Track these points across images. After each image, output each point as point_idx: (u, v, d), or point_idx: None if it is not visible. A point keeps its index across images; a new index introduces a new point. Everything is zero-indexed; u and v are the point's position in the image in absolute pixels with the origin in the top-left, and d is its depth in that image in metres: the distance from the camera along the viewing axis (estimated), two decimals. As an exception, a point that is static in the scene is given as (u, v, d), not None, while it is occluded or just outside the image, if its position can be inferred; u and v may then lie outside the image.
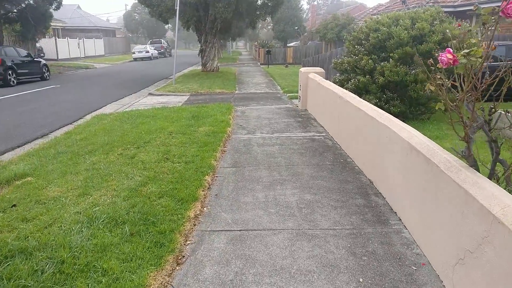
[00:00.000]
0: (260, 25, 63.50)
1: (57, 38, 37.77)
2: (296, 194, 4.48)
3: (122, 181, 4.65)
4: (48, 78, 19.47)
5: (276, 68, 26.39)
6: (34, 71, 18.48)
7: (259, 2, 20.50)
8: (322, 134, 7.39)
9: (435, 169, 2.91)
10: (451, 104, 2.80)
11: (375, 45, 8.46)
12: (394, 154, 3.96)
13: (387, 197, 4.23)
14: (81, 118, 9.68)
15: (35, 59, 18.80)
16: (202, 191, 4.48)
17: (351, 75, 8.77)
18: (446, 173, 2.69)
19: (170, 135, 6.85)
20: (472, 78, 2.83)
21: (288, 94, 13.47)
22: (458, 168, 2.65)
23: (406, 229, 3.57)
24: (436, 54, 7.30)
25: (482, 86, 2.87)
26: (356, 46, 8.89)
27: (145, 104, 12.36)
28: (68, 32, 45.23)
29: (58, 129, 8.56)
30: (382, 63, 8.14)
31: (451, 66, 2.68)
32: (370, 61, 8.31)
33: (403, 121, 8.02)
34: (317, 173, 5.18)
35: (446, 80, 2.83)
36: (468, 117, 2.93)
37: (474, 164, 2.72)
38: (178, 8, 16.10)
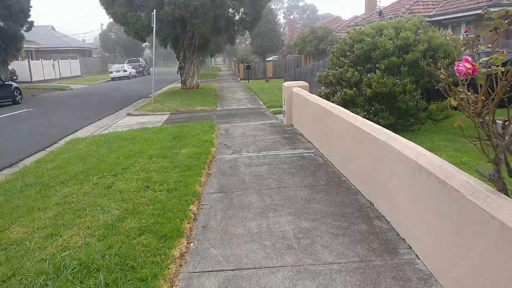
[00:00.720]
0: (238, 40, 63.74)
1: (30, 60, 36.70)
2: (292, 221, 4.07)
3: (97, 216, 4.14)
4: (20, 101, 18.66)
5: (257, 83, 26.18)
6: (4, 95, 17.69)
7: (237, 18, 20.34)
8: (312, 151, 7.04)
9: (454, 194, 2.55)
10: (476, 119, 2.44)
11: (360, 56, 8.24)
12: (398, 174, 3.60)
13: (391, 221, 3.86)
14: (54, 144, 9.08)
15: (5, 83, 18.03)
16: (188, 223, 4.01)
17: (337, 88, 8.51)
18: (471, 200, 2.33)
19: (150, 159, 6.37)
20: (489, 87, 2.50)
21: (271, 109, 13.15)
22: (485, 194, 2.29)
23: (419, 259, 3.19)
24: (422, 63, 7.07)
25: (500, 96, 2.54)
26: (340, 58, 8.65)
27: (123, 126, 11.83)
28: (42, 53, 44.18)
29: (28, 156, 7.96)
30: (368, 75, 7.90)
31: (470, 76, 2.34)
32: (356, 72, 8.07)
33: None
34: (312, 195, 4.79)
35: (469, 93, 2.47)
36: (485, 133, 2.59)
37: (503, 189, 2.37)
38: (155, 25, 15.73)
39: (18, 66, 34.84)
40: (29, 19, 21.85)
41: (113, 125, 12.14)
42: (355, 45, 8.33)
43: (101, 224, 3.93)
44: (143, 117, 13.41)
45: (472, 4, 16.85)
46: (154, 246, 3.45)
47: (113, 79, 38.78)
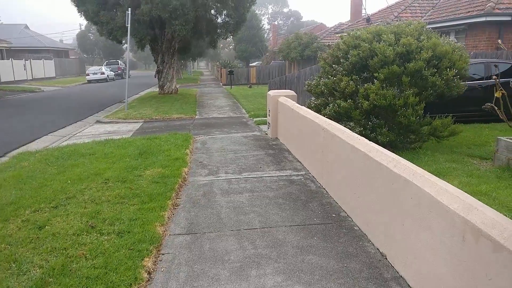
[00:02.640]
0: (221, 45, 62.73)
1: (-1, 59, 34.70)
2: (282, 285, 3.00)
3: (4, 283, 2.96)
4: (-21, 104, 17.07)
5: (240, 89, 25.15)
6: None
7: (219, 20, 19.27)
8: (301, 173, 6.00)
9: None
10: None
11: (355, 63, 7.29)
12: (432, 230, 2.58)
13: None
14: (-1, 158, 7.78)
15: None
16: (138, 288, 2.90)
17: (329, 99, 7.52)
18: None
19: (106, 184, 5.20)
20: None
21: (254, 119, 12.11)
22: None
23: None
24: (426, 73, 6.14)
25: None
26: (333, 66, 7.68)
27: (88, 135, 10.57)
28: (15, 53, 42.06)
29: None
30: (365, 85, 6.95)
31: None
32: (351, 82, 7.10)
33: (392, 151, 6.81)
34: (306, 240, 3.73)
35: None
36: None
37: None
38: (129, 25, 14.51)
39: (-16, 66, 32.83)
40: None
41: (77, 134, 10.87)
42: (350, 51, 7.37)
43: (13, 293, 2.77)
44: (113, 125, 12.16)
45: (462, 13, 16.27)
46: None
47: (89, 81, 37.16)
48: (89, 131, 11.32)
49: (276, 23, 72.55)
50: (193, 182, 5.70)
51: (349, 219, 4.19)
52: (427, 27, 7.81)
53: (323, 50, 29.09)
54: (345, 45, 7.61)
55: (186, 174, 5.97)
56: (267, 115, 9.28)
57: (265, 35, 57.40)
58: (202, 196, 5.08)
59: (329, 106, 7.31)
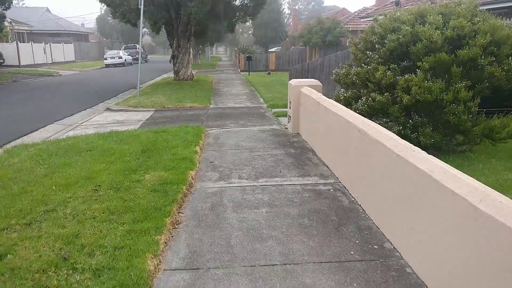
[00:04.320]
0: (240, 29, 61.38)
1: (18, 42, 34.41)
2: None
3: None
4: (-9, 88, 16.61)
5: (258, 76, 24.09)
6: (-28, 81, 15.62)
7: (237, 3, 18.16)
8: (329, 181, 5.04)
9: None
10: None
11: (393, 50, 6.20)
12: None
13: None
14: (-8, 151, 7.07)
15: (-27, 68, 15.92)
16: None
17: (362, 91, 6.47)
18: None
19: (96, 192, 4.36)
20: None
21: (273, 110, 11.13)
22: None
23: None
24: (482, 63, 5.02)
25: None
26: (366, 52, 6.60)
27: (95, 125, 9.82)
28: (35, 36, 41.87)
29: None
30: (405, 76, 5.87)
31: None
32: (388, 72, 6.03)
33: (436, 155, 5.76)
34: None
35: None
36: None
37: None
38: (142, 7, 13.60)
39: (5, 48, 32.59)
40: (8, -3, 19.63)
41: (84, 124, 10.13)
42: (387, 35, 6.28)
43: None
44: (123, 114, 11.38)
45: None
46: None
47: (107, 65, 36.61)
48: (97, 120, 10.57)
49: (296, 7, 70.56)
50: (200, 190, 4.81)
51: (397, 254, 3.23)
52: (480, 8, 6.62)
53: (346, 35, 27.65)
54: (381, 28, 6.51)
55: (193, 179, 5.09)
56: (288, 107, 8.29)
57: (285, 20, 55.66)
58: (209, 210, 4.19)
59: (362, 99, 6.28)
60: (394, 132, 5.66)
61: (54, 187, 4.47)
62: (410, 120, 5.84)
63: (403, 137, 5.67)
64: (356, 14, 31.76)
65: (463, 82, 5.48)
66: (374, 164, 3.82)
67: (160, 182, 4.69)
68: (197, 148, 6.46)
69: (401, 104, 5.83)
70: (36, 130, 9.21)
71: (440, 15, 6.05)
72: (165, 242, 3.43)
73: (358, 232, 3.63)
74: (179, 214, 4.08)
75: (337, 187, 4.84)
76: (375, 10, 24.73)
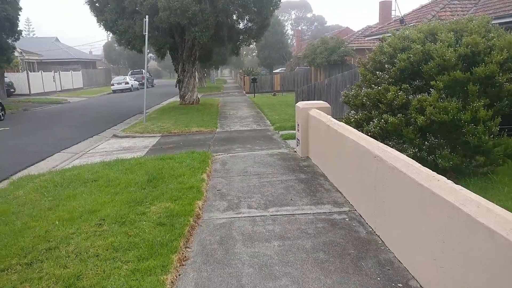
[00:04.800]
0: (244, 52, 62.08)
1: (29, 72, 35.02)
2: None
3: None
4: (2, 118, 16.75)
5: (263, 97, 24.07)
6: (-17, 111, 15.75)
7: (241, 26, 18.28)
8: (344, 209, 4.78)
9: None
10: None
11: (404, 69, 6.02)
12: None
13: None
14: (-3, 183, 6.93)
15: (-17, 98, 16.08)
16: None
17: (373, 112, 6.27)
18: None
19: (100, 227, 4.15)
20: None
21: (280, 132, 10.95)
22: None
23: None
24: (500, 80, 4.78)
25: None
26: (376, 72, 6.43)
27: (101, 152, 9.71)
28: (45, 65, 42.79)
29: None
30: (418, 96, 5.67)
31: None
32: (400, 92, 5.84)
33: (456, 179, 5.48)
34: (366, 334, 2.52)
35: None
36: None
37: None
38: (147, 33, 13.70)
39: (16, 78, 33.14)
40: (18, 29, 19.99)
41: (90, 151, 10.02)
42: (397, 54, 6.12)
43: None
44: (129, 140, 11.28)
45: (512, 8, 14.60)
46: None
47: (114, 91, 37.01)
48: (104, 148, 10.46)
49: (299, 28, 71.43)
50: (208, 221, 4.58)
51: (424, 292, 2.95)
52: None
53: (351, 54, 27.69)
54: (390, 48, 6.36)
55: (200, 209, 4.86)
56: (296, 129, 8.10)
57: (289, 41, 56.19)
58: (218, 245, 3.95)
59: (373, 121, 6.07)
60: (409, 154, 5.44)
61: (57, 222, 4.27)
62: (426, 142, 5.60)
63: (419, 160, 5.45)
64: (360, 32, 31.91)
65: (481, 100, 5.26)
66: (393, 193, 3.58)
67: (166, 214, 4.47)
68: (204, 175, 6.25)
69: (415, 125, 5.61)
70: (43, 159, 9.12)
71: (451, 32, 5.89)
72: (172, 282, 3.19)
73: (379, 267, 3.36)
74: (187, 249, 3.85)
75: (352, 216, 4.58)
76: (379, 28, 24.79)
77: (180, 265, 3.50)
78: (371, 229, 4.16)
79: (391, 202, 3.65)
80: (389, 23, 24.23)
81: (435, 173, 3.08)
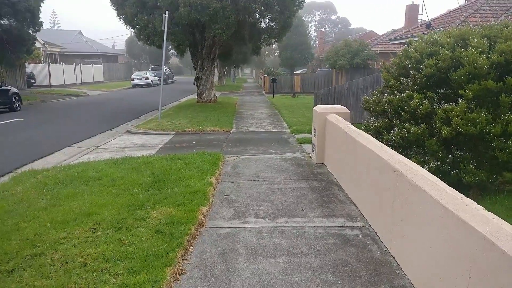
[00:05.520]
0: (266, 51, 61.71)
1: (50, 63, 35.61)
2: None
3: None
4: (18, 108, 16.85)
5: (282, 98, 23.71)
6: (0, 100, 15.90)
7: (263, 25, 17.97)
8: (358, 225, 4.42)
9: None
10: None
11: (430, 76, 5.60)
12: None
13: None
14: (2, 176, 6.82)
15: (2, 87, 16.24)
16: None
17: (394, 120, 5.86)
18: None
19: (94, 232, 3.91)
20: None
21: (296, 136, 10.59)
22: None
23: None
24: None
25: None
26: (400, 78, 6.01)
27: (112, 148, 9.57)
28: (67, 57, 43.42)
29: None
30: (445, 105, 5.25)
31: None
32: (425, 101, 5.42)
33: (480, 196, 5.05)
34: None
35: None
36: None
37: None
38: (166, 29, 13.53)
39: (37, 69, 33.75)
40: (39, 20, 20.18)
41: (101, 147, 9.89)
42: (424, 60, 5.69)
43: None
44: (142, 137, 11.12)
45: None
46: None
47: (134, 86, 37.24)
48: (115, 143, 10.33)
49: (323, 30, 70.60)
50: (211, 230, 4.29)
51: (445, 333, 2.58)
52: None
53: (374, 58, 27.04)
54: (416, 53, 5.94)
55: (204, 216, 4.58)
56: (312, 134, 7.75)
57: (312, 43, 55.57)
58: (219, 258, 3.65)
59: (395, 130, 5.66)
60: (431, 168, 5.03)
61: (49, 224, 4.06)
62: (450, 155, 5.17)
63: (442, 173, 5.03)
64: (384, 36, 31.16)
65: (513, 113, 4.80)
66: (413, 212, 3.20)
67: (167, 221, 4.20)
68: (213, 179, 5.97)
69: (440, 137, 5.19)
70: (52, 153, 9.01)
71: (484, 38, 5.43)
72: (161, 304, 2.91)
73: (394, 297, 3.00)
74: (184, 261, 3.56)
75: (366, 232, 4.22)
76: (404, 32, 24.10)
77: (174, 280, 3.22)
78: (385, 249, 3.79)
79: (410, 222, 3.28)
80: (415, 27, 23.50)
81: (463, 195, 2.70)
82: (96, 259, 3.33)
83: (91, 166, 6.64)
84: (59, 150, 9.31)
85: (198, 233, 4.19)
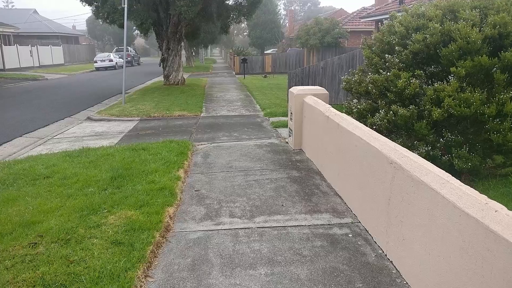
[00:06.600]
0: (235, 31, 60.28)
1: (3, 45, 33.09)
2: None
3: None
4: (-35, 95, 15.36)
5: (254, 79, 22.98)
6: None
7: (231, 2, 17.05)
8: (346, 221, 3.93)
9: None
10: None
11: (418, 53, 5.12)
12: None
13: None
14: None
15: None
16: None
17: (379, 102, 5.37)
18: None
19: (34, 248, 3.21)
20: None
21: (270, 119, 10.02)
22: None
23: None
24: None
25: None
26: (385, 56, 5.50)
27: (70, 138, 8.68)
28: (22, 38, 40.55)
29: None
30: (434, 84, 4.79)
31: None
32: (413, 80, 4.94)
33: (472, 181, 4.68)
34: None
35: None
36: None
37: None
38: (126, 6, 12.46)
39: (-13, 51, 31.29)
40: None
41: (57, 136, 8.97)
42: (411, 35, 5.19)
43: None
44: (104, 124, 10.23)
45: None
46: None
47: (97, 69, 35.31)
48: (73, 132, 9.41)
49: (292, 8, 69.59)
50: (179, 236, 3.68)
51: None
52: None
53: (345, 36, 26.63)
54: (402, 27, 5.42)
55: (171, 219, 3.97)
56: (289, 118, 7.20)
57: (281, 21, 54.51)
58: (188, 272, 3.07)
59: (380, 113, 5.18)
60: (421, 153, 4.60)
61: (-21, 239, 3.32)
62: (441, 139, 4.75)
63: (432, 159, 4.61)
64: (355, 14, 30.74)
65: (510, 92, 4.40)
66: (417, 213, 2.72)
67: (126, 228, 3.56)
68: (181, 172, 5.33)
69: (430, 119, 4.75)
70: (1, 144, 8.05)
71: (476, 10, 4.97)
72: None
73: (400, 316, 2.53)
74: (146, 279, 2.96)
75: (356, 230, 3.74)
76: (376, 9, 23.70)
77: (133, 308, 2.62)
78: (381, 251, 3.32)
79: (413, 224, 2.79)
80: (386, 4, 23.11)
81: (486, 196, 2.22)
82: (33, 287, 2.67)
83: (40, 161, 5.83)
84: (7, 142, 8.35)
85: (165, 239, 3.58)
